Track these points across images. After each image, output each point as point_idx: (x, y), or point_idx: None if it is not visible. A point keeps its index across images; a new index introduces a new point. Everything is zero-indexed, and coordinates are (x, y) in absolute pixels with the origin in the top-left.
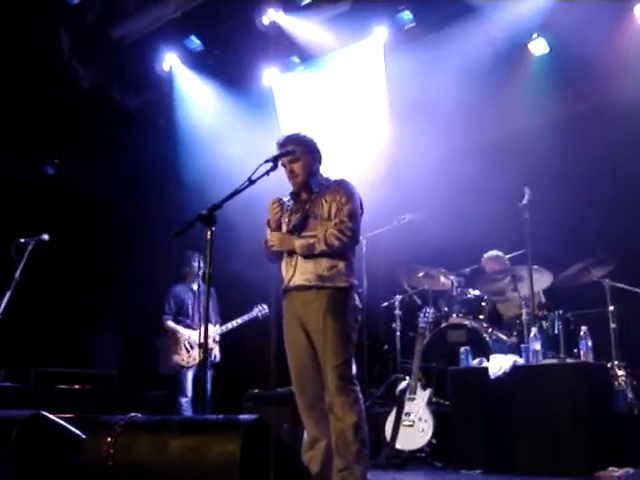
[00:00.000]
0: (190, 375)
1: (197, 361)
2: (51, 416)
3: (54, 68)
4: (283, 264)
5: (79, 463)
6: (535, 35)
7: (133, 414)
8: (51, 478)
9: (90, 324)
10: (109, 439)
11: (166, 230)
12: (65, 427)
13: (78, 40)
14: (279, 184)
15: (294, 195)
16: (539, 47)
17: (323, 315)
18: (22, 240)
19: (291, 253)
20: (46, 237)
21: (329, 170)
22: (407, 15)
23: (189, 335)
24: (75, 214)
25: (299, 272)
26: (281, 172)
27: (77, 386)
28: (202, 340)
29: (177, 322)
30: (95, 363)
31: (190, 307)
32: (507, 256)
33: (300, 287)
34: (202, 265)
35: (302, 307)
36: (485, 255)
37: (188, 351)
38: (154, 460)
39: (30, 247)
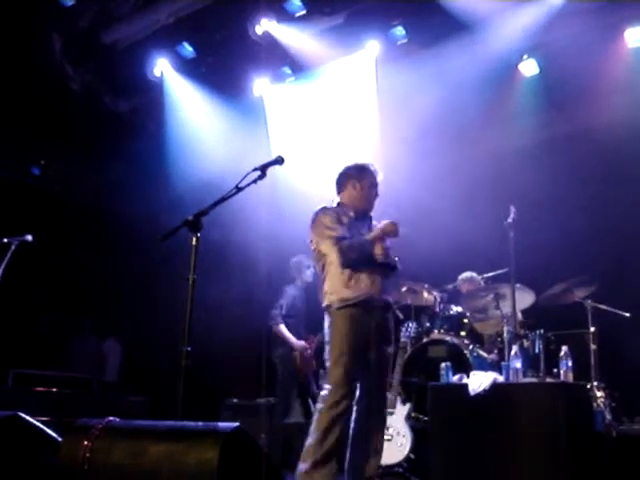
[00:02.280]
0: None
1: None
2: (28, 418)
3: (45, 69)
4: (367, 276)
5: (55, 466)
6: (525, 56)
7: (111, 418)
8: None
9: (71, 327)
10: (86, 442)
11: (152, 234)
12: (42, 429)
13: (70, 43)
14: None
15: (361, 214)
16: (529, 68)
17: (393, 337)
18: (5, 240)
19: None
20: (30, 238)
21: (318, 183)
22: (400, 31)
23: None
24: (60, 215)
25: (383, 290)
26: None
27: (55, 389)
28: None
29: (286, 325)
30: (75, 366)
31: (298, 312)
32: (490, 274)
33: (386, 305)
34: (311, 271)
35: (382, 323)
36: (460, 277)
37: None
38: (131, 465)
39: (13, 247)
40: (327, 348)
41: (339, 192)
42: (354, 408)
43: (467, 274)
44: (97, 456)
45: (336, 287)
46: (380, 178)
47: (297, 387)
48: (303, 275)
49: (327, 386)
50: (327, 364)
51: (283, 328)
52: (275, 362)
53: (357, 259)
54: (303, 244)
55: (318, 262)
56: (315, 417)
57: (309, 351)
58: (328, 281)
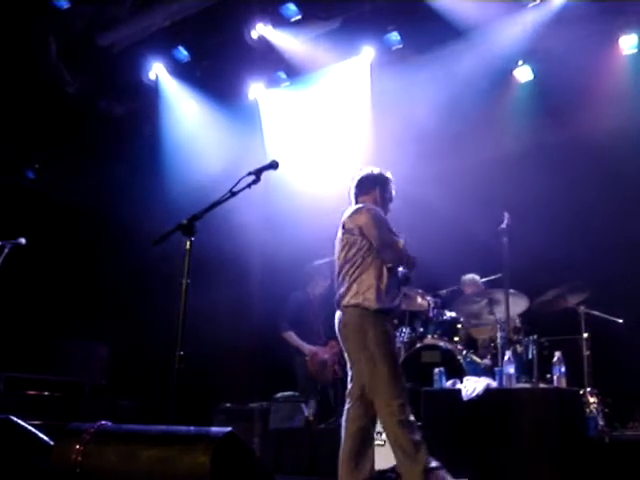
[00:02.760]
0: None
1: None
2: (20, 421)
3: (41, 72)
4: (397, 285)
5: (47, 470)
6: (520, 62)
7: (103, 422)
8: None
9: (64, 330)
10: (78, 447)
11: (147, 237)
12: (34, 433)
13: (66, 46)
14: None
15: None
16: (524, 74)
17: None
18: None
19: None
20: (23, 241)
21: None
22: (395, 36)
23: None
24: (54, 219)
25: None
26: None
27: (47, 393)
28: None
29: (295, 332)
30: (68, 370)
31: (310, 318)
32: (484, 279)
33: None
34: (327, 283)
35: None
36: (464, 277)
37: (316, 369)
38: (123, 469)
39: (7, 250)
40: (368, 352)
41: (361, 194)
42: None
43: (470, 276)
44: (89, 460)
45: (376, 289)
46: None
47: (317, 392)
48: (316, 285)
49: (381, 396)
50: (374, 370)
51: (290, 335)
52: (295, 370)
53: (400, 265)
54: (297, 249)
55: (356, 253)
56: (389, 437)
57: (326, 355)
58: (365, 280)
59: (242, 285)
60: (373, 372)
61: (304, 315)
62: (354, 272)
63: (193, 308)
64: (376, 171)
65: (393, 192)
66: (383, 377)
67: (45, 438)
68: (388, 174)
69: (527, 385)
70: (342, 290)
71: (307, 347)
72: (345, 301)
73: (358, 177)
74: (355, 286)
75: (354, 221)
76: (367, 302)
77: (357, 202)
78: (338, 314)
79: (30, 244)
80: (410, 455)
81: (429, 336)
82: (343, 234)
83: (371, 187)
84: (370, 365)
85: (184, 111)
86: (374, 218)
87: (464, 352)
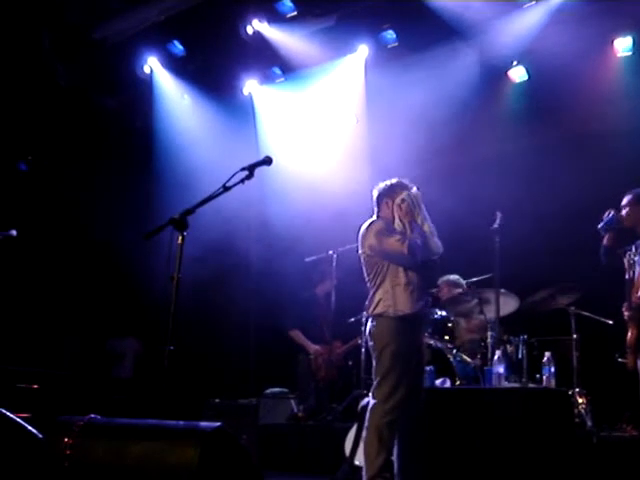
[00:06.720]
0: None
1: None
2: (9, 414)
3: (34, 65)
4: (419, 289)
5: (36, 463)
6: (515, 62)
7: (93, 415)
8: (6, 477)
9: (55, 324)
10: (67, 440)
11: (137, 232)
12: (23, 426)
13: (60, 38)
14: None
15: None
16: (518, 74)
17: None
18: None
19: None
20: (14, 233)
21: (306, 182)
22: (390, 34)
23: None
24: (45, 211)
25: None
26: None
27: (36, 385)
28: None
29: (303, 330)
30: (58, 363)
31: (317, 320)
32: (475, 279)
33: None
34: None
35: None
36: (442, 279)
37: (318, 368)
38: (111, 463)
39: None
40: (380, 357)
41: (378, 212)
42: None
43: (453, 277)
44: (78, 454)
45: (395, 297)
46: (414, 190)
47: (315, 390)
48: (324, 286)
49: (377, 395)
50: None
51: (297, 333)
52: (296, 367)
53: (421, 256)
54: (291, 245)
55: (372, 269)
56: (366, 427)
57: (330, 356)
58: (382, 290)
59: (235, 280)
60: (376, 371)
61: (311, 316)
62: (374, 283)
63: (185, 303)
64: (380, 186)
65: (402, 195)
66: (382, 379)
67: (34, 431)
68: (392, 181)
69: (516, 385)
70: (368, 300)
71: (313, 347)
72: (370, 311)
73: (374, 196)
74: (376, 296)
75: (364, 243)
76: (386, 309)
77: (378, 217)
78: (367, 321)
79: (25, 236)
80: (368, 461)
81: None
82: (361, 252)
83: (379, 203)
84: (376, 365)
85: (178, 105)
86: (375, 236)
87: (454, 351)
